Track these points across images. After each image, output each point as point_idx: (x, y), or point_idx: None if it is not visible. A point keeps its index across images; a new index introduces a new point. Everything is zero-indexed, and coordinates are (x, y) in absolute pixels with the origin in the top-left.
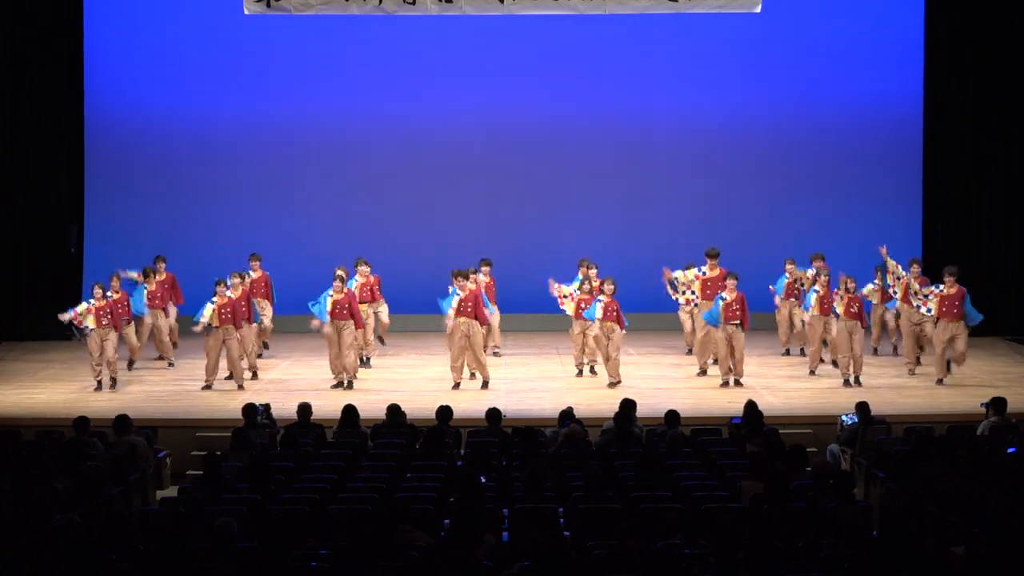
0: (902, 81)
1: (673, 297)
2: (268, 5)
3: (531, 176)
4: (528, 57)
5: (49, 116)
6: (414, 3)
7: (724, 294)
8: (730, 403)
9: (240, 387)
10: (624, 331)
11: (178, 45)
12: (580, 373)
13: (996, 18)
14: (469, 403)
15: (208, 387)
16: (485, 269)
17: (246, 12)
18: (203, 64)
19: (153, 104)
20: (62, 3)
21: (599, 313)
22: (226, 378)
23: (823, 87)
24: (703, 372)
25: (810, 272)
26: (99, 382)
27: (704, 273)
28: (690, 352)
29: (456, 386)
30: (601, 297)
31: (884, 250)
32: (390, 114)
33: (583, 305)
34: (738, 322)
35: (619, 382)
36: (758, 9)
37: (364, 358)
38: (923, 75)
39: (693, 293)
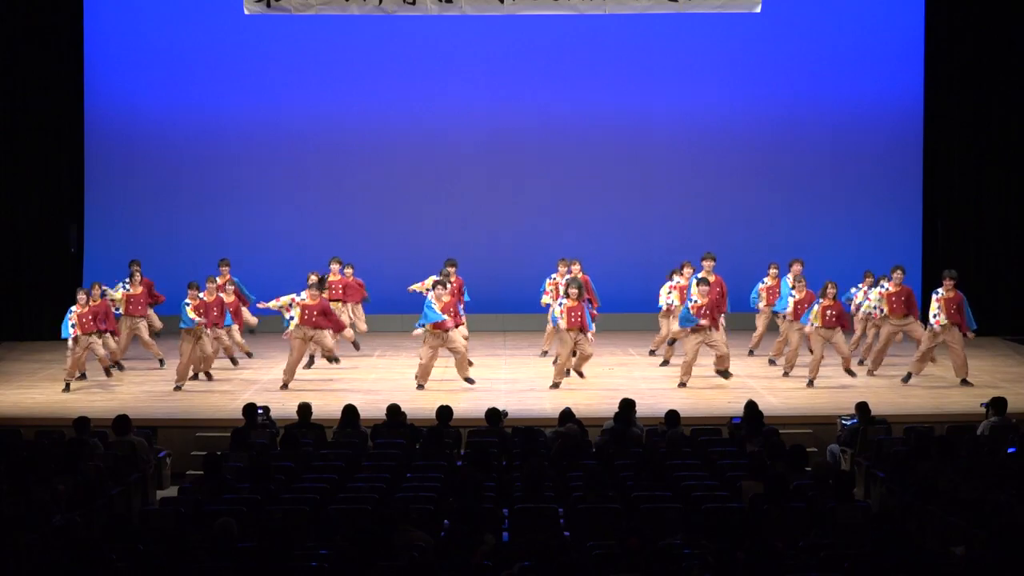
0: (902, 81)
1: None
2: (268, 5)
3: (530, 176)
4: (528, 57)
5: (49, 116)
6: (414, 3)
7: (695, 297)
8: (730, 403)
9: (209, 377)
10: (592, 335)
11: (178, 45)
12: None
13: (996, 19)
14: (469, 403)
15: (178, 388)
16: (451, 271)
17: (246, 12)
18: (203, 64)
19: (153, 104)
20: (62, 3)
21: (563, 322)
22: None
23: (823, 87)
24: (666, 362)
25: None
26: (67, 384)
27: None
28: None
29: (420, 387)
30: (563, 301)
31: (868, 282)
32: (390, 114)
33: (573, 315)
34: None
35: (581, 376)
36: (758, 9)
37: (354, 344)
38: (923, 75)
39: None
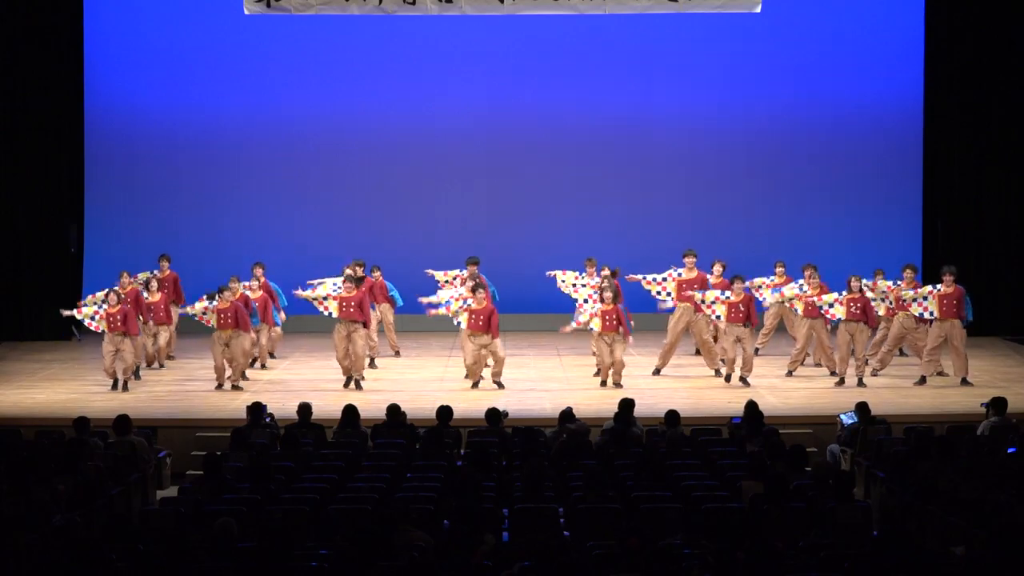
0: (902, 81)
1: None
2: (268, 5)
3: (531, 176)
4: (528, 57)
5: (49, 116)
6: (414, 3)
7: (730, 294)
8: (730, 403)
9: (237, 387)
10: (631, 339)
11: (178, 45)
12: (604, 383)
13: (996, 19)
14: (469, 403)
15: (220, 387)
16: (473, 269)
17: (246, 12)
18: (203, 64)
19: (153, 104)
20: (62, 3)
21: (597, 327)
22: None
23: (823, 87)
24: (657, 371)
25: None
26: (115, 381)
27: (681, 275)
28: (697, 353)
29: (475, 385)
30: (597, 306)
31: (879, 277)
32: (390, 114)
33: (606, 319)
34: (744, 324)
35: (619, 385)
36: (758, 9)
37: (370, 359)
38: (923, 75)
39: (669, 295)
